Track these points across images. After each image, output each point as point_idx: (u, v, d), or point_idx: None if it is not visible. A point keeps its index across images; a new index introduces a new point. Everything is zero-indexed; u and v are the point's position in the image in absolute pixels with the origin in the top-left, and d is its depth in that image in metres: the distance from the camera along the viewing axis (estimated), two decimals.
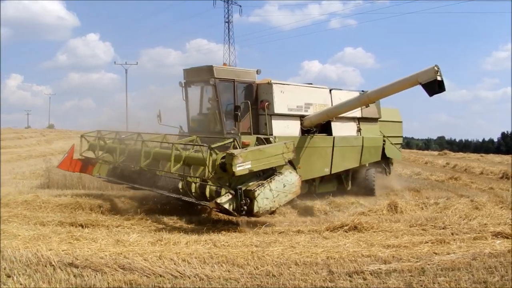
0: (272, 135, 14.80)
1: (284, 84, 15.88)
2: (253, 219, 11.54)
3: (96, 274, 7.17)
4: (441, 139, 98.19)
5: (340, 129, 17.14)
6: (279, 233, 10.90)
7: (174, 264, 7.63)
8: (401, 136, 21.42)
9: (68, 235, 10.07)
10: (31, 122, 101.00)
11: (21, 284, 6.73)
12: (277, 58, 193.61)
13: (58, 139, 58.38)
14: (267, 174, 11.71)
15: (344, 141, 17.13)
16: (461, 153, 48.20)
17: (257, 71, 15.76)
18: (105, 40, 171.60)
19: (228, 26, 76.01)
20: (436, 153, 48.72)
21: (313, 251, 8.81)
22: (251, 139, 14.10)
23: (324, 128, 16.70)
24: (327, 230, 10.95)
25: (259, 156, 11.55)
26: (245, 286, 6.95)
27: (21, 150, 40.47)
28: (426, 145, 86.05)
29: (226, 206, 10.82)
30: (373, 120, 18.86)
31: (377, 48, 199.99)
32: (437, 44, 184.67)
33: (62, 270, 7.32)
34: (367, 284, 7.06)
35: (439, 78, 13.45)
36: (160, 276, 7.15)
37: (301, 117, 16.07)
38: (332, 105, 16.63)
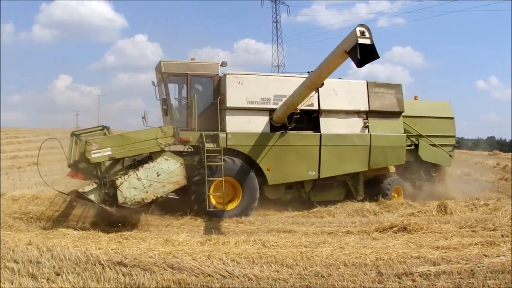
0: (225, 131, 13.71)
1: (244, 74, 14.25)
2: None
3: (145, 273, 7.26)
4: (491, 139, 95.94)
5: (333, 125, 14.82)
6: (328, 233, 10.82)
7: (223, 264, 7.67)
8: (453, 136, 17.72)
9: (118, 234, 10.27)
10: (80, 122, 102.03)
11: (70, 282, 6.86)
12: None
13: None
14: (143, 162, 11.31)
15: (340, 140, 14.77)
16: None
17: (221, 64, 14.48)
18: (153, 41, 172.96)
19: (276, 26, 75.89)
20: (486, 153, 47.62)
21: (362, 252, 8.73)
22: (192, 135, 13.53)
23: (313, 124, 14.77)
24: (377, 231, 10.82)
25: (123, 142, 11.24)
26: (293, 287, 6.93)
27: None
28: (476, 145, 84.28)
29: (92, 197, 10.61)
30: (391, 114, 15.73)
31: (426, 47, 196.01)
32: (487, 43, 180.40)
33: (111, 269, 7.44)
34: (416, 286, 6.98)
35: (363, 41, 10.26)
36: (209, 275, 7.19)
37: (272, 111, 14.26)
38: (318, 96, 14.32)
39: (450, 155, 17.28)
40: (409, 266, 7.72)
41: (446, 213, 13.12)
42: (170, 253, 8.44)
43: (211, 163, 12.68)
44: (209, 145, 13.14)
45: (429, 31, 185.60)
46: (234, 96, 13.93)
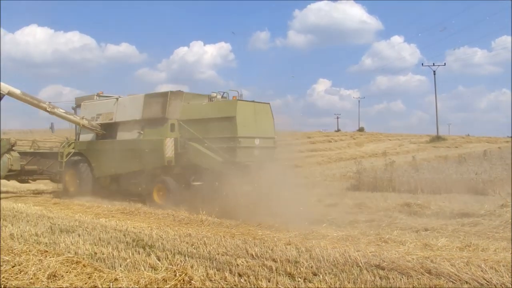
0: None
1: (89, 102, 20.43)
2: None
3: (402, 277, 7.24)
4: None
5: (123, 133, 18.62)
6: None
7: (481, 271, 7.39)
8: (234, 137, 15.36)
9: (377, 237, 10.36)
10: (341, 125, 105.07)
11: (326, 283, 7.08)
12: None
13: (369, 142, 59.93)
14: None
15: (121, 145, 18.38)
16: None
17: (97, 94, 20.70)
18: (410, 42, 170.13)
19: None
20: None
21: None
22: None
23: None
24: None
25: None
26: None
27: (331, 153, 42.62)
28: None
29: None
30: (155, 121, 17.23)
31: None
32: None
33: (368, 271, 7.55)
34: None
35: None
36: (466, 282, 7.00)
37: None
38: (115, 112, 18.79)
39: (230, 159, 15.35)
40: None
41: None
42: (428, 257, 8.31)
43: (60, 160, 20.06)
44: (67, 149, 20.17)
45: None
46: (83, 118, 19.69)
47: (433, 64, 69.80)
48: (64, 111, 19.44)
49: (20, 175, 20.90)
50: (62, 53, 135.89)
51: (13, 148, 20.44)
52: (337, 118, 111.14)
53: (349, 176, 24.80)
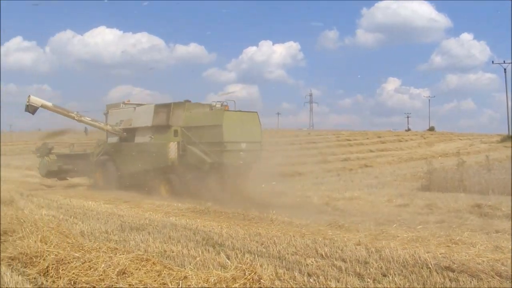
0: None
1: (115, 109, 23.07)
2: None
3: (472, 280, 7.18)
4: None
5: (139, 137, 21.43)
6: None
7: None
8: (221, 142, 18.32)
9: (447, 238, 10.18)
10: (411, 124, 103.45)
11: (395, 284, 7.10)
12: None
13: (439, 142, 58.81)
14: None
15: (137, 147, 21.26)
16: None
17: (124, 102, 23.13)
18: (480, 39, 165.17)
19: None
20: None
21: None
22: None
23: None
24: None
25: (42, 147, 24.56)
26: None
27: (402, 153, 42.07)
28: None
29: None
30: (162, 128, 19.94)
31: None
32: None
33: (438, 273, 7.50)
34: None
35: (26, 103, 21.09)
36: None
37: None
38: (133, 119, 21.63)
39: (218, 160, 18.29)
40: None
41: None
42: (499, 260, 8.16)
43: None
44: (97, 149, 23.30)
45: None
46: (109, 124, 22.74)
47: (504, 61, 67.92)
48: (90, 118, 22.48)
49: (59, 174, 24.43)
50: (131, 54, 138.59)
51: (52, 151, 24.28)
52: (407, 117, 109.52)
53: (420, 176, 24.54)
